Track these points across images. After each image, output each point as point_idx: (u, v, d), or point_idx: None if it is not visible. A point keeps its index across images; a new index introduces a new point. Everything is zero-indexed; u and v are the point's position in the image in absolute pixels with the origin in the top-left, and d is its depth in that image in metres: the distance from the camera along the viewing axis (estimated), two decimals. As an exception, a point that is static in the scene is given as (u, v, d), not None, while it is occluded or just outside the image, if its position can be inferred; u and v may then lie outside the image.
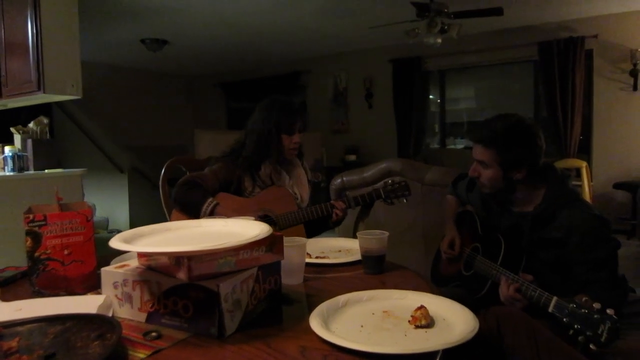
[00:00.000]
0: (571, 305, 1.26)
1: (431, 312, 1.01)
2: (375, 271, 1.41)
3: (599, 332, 1.19)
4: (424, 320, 0.98)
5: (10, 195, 3.38)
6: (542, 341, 1.26)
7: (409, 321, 1.00)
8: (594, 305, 1.22)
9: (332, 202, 2.09)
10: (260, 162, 2.14)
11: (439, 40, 5.17)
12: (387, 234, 1.42)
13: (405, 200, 2.11)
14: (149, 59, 7.50)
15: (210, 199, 1.95)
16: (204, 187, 2.02)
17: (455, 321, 1.01)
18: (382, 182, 2.15)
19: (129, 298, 1.02)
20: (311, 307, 1.05)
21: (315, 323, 0.96)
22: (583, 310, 1.23)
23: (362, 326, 0.99)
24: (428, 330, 0.98)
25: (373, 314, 1.06)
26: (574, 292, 1.36)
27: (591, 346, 1.20)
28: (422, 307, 1.01)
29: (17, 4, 3.42)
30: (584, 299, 1.26)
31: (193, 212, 1.94)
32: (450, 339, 0.91)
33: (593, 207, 1.63)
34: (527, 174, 1.66)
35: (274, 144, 2.12)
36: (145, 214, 6.65)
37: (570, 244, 1.58)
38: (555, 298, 1.33)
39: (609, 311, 1.20)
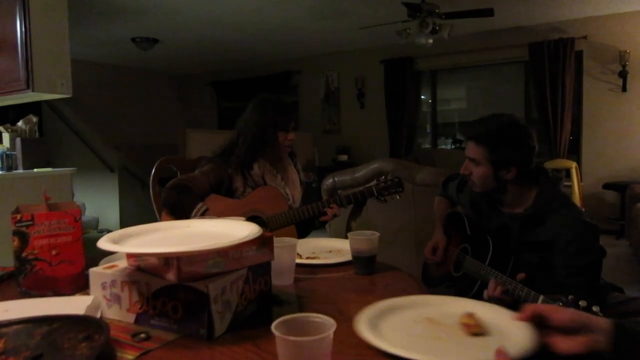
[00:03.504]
0: (557, 303, 1.27)
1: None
2: (366, 272, 1.41)
3: None
4: (479, 329, 0.92)
5: (-1, 194, 3.35)
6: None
7: (461, 329, 0.93)
8: (579, 303, 1.23)
9: (324, 201, 2.07)
10: (253, 161, 2.13)
11: (430, 41, 5.19)
12: (377, 234, 1.42)
13: (398, 197, 2.10)
14: (139, 58, 7.46)
15: (199, 205, 1.91)
16: (193, 190, 2.00)
17: (509, 329, 0.93)
18: (374, 180, 2.14)
19: (117, 299, 1.02)
20: (302, 308, 1.04)
21: (369, 335, 0.89)
22: (569, 308, 1.24)
23: (413, 335, 0.93)
24: (486, 338, 0.91)
25: (416, 321, 0.99)
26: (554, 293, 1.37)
27: None
28: (471, 313, 0.94)
29: (6, 2, 3.39)
30: (569, 296, 1.27)
31: (182, 217, 1.91)
32: (518, 347, 0.83)
33: (583, 213, 1.64)
34: (517, 174, 1.66)
35: (270, 141, 2.11)
36: (135, 213, 6.62)
37: (556, 247, 1.59)
38: (542, 296, 1.34)
39: (594, 308, 1.21)
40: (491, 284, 1.54)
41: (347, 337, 0.92)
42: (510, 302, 1.48)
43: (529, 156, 1.66)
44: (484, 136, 1.67)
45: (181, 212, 1.92)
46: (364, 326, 0.93)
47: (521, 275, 1.51)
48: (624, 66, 5.77)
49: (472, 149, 1.70)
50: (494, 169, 1.66)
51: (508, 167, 1.65)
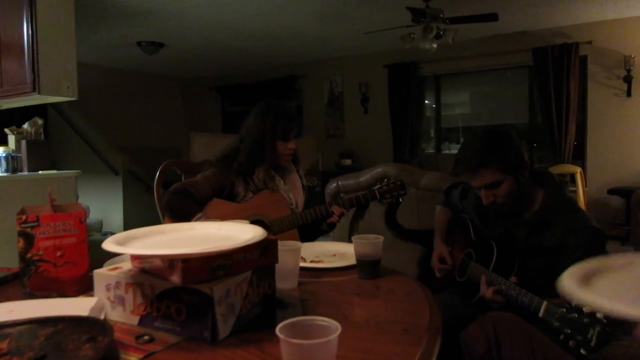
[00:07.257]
0: (561, 309, 1.26)
1: None
2: (370, 276, 1.40)
3: (589, 336, 1.18)
4: None
5: (4, 196, 3.36)
6: (538, 345, 1.26)
7: None
8: (584, 309, 1.22)
9: (327, 204, 2.07)
10: (254, 167, 2.13)
11: (435, 46, 5.19)
12: (382, 238, 1.42)
13: (401, 200, 2.09)
14: (144, 62, 7.49)
15: (199, 214, 1.91)
16: (195, 195, 2.00)
17: None
18: (377, 184, 2.13)
19: (121, 301, 1.02)
20: (306, 312, 1.04)
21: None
22: (573, 314, 1.22)
23: None
24: None
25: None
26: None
27: (582, 351, 1.20)
28: None
29: (13, 4, 3.41)
30: (574, 302, 1.26)
31: (183, 222, 1.91)
32: None
33: (590, 217, 1.62)
34: (529, 171, 1.67)
35: (268, 149, 2.10)
36: (139, 216, 6.63)
37: (562, 253, 1.58)
38: (545, 302, 1.33)
39: (598, 315, 1.20)
40: (482, 282, 1.55)
41: (351, 341, 0.92)
42: (503, 302, 1.48)
43: (523, 147, 1.67)
44: (485, 155, 1.64)
45: (182, 217, 1.92)
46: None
47: (512, 279, 1.52)
48: (628, 71, 5.75)
49: (485, 175, 1.65)
50: (513, 176, 1.64)
51: (522, 165, 1.64)
